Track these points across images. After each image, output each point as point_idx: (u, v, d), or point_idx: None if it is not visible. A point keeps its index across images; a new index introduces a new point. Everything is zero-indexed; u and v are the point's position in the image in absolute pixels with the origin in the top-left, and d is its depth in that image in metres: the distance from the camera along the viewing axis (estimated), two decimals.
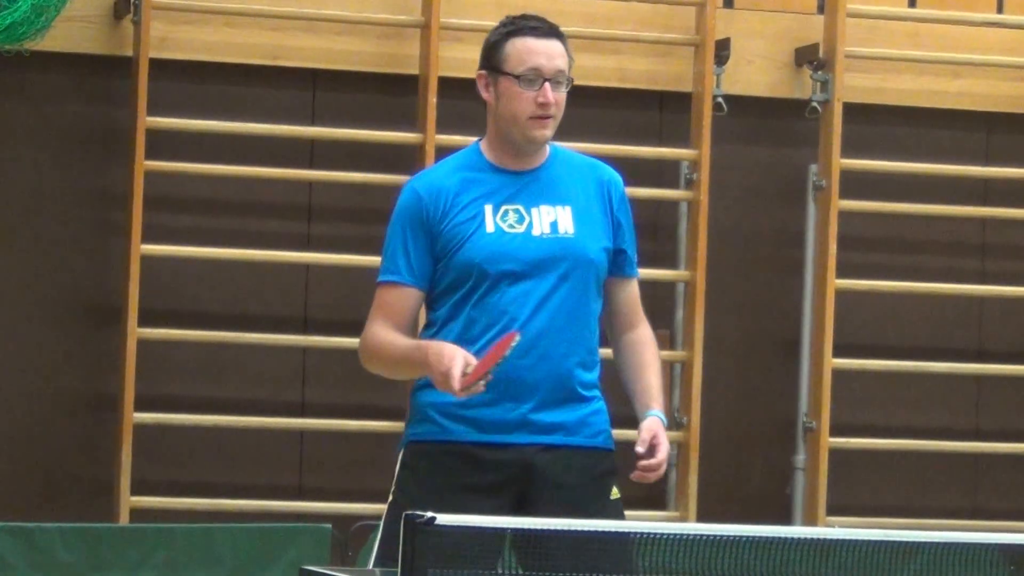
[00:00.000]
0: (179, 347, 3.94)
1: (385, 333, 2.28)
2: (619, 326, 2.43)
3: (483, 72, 2.33)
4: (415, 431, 2.33)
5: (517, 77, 2.26)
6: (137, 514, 3.89)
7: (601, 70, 4.10)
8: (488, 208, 2.34)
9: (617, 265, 2.37)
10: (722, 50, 4.11)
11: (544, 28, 2.38)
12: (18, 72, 3.80)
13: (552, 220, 2.36)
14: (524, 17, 2.44)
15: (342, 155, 3.94)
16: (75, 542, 3.96)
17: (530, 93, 2.27)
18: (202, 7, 3.87)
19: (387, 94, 4.01)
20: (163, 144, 3.84)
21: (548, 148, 2.40)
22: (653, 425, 2.24)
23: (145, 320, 3.80)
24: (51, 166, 3.90)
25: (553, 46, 2.34)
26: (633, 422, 2.26)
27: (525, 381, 2.26)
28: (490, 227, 2.33)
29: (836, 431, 4.19)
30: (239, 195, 3.96)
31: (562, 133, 2.29)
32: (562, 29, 2.30)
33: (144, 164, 3.78)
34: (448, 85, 3.88)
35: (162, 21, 3.80)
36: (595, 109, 4.12)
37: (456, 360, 2.06)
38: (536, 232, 2.33)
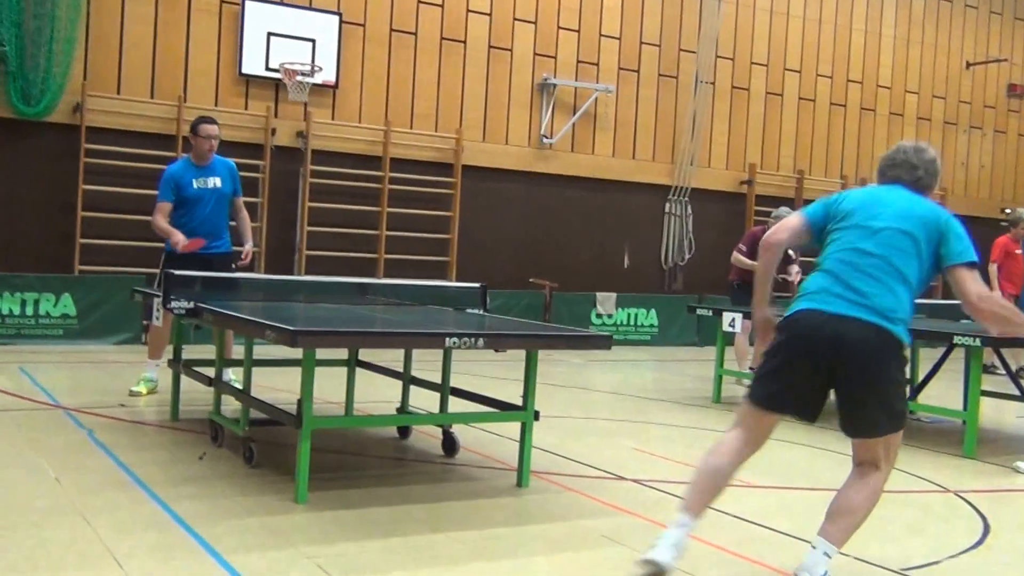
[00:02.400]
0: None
1: (162, 219, 7.44)
2: (234, 212, 7.76)
3: (191, 134, 7.53)
4: (168, 249, 7.45)
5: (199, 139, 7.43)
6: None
7: None
8: (194, 180, 7.48)
9: (236, 193, 7.68)
10: None
11: (212, 120, 7.53)
12: (28, 128, 11.17)
13: (215, 182, 7.50)
14: (204, 118, 7.56)
15: None
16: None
17: (205, 145, 7.44)
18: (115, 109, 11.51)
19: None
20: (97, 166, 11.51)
21: (213, 157, 7.46)
22: (247, 248, 7.68)
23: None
24: (41, 147, 11.34)
25: (215, 129, 7.45)
26: None
27: (205, 234, 7.43)
28: (195, 186, 7.48)
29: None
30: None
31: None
32: None
33: (85, 162, 11.45)
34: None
35: (95, 113, 11.41)
36: None
37: (181, 239, 7.18)
38: (209, 187, 7.48)
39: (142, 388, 7.67)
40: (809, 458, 6.93)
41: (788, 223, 4.23)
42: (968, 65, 18.41)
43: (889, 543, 4.84)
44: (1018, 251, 12.09)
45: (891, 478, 6.31)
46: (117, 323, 11.04)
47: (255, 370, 5.98)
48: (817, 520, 5.23)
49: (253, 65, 11.93)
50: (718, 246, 15.28)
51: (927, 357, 8.93)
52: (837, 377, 3.90)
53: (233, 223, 7.91)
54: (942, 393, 8.71)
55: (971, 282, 3.91)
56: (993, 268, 11.84)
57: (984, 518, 5.41)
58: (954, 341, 7.24)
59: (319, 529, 4.54)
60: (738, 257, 10.37)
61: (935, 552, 4.72)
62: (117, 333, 11.03)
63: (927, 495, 5.99)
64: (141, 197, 11.20)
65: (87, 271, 11.23)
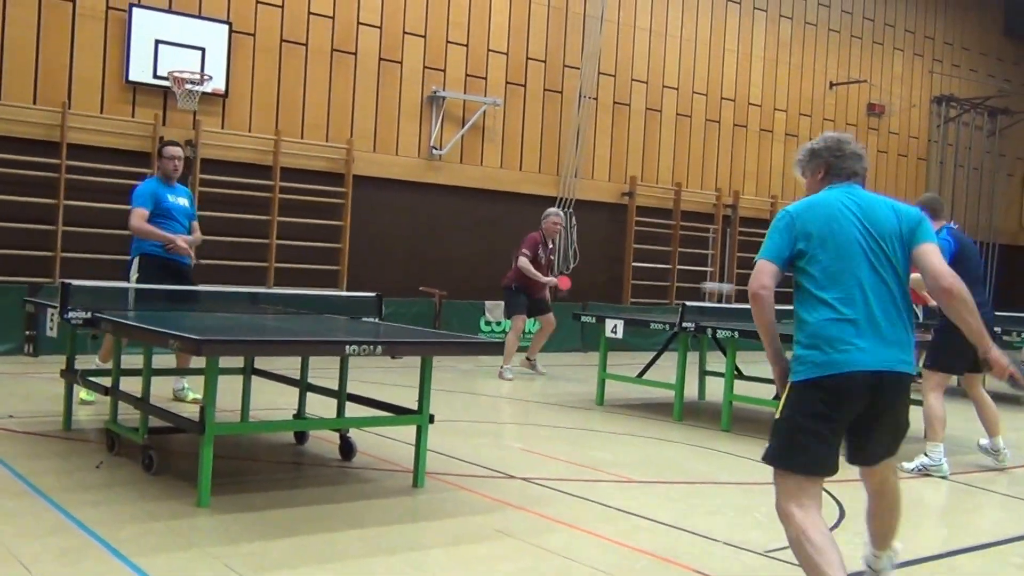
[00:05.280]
0: None
1: (144, 223, 7.67)
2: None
3: (157, 156, 8.44)
4: (144, 248, 7.79)
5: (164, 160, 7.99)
6: None
7: None
8: (169, 195, 7.89)
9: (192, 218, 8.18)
10: None
11: (176, 144, 8.21)
12: None
13: (184, 200, 7.99)
14: (168, 142, 8.37)
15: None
16: None
17: (170, 166, 7.93)
18: None
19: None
20: None
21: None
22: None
23: None
24: None
25: (177, 150, 8.01)
26: None
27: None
28: (168, 200, 7.82)
29: None
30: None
31: None
32: None
33: None
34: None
35: None
36: None
37: (178, 240, 7.73)
38: (181, 204, 7.95)
39: (88, 395, 7.74)
40: (684, 455, 7.38)
41: None
42: (831, 85, 19.47)
43: (753, 529, 5.29)
44: None
45: (761, 471, 6.81)
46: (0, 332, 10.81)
47: (133, 379, 6.08)
48: (693, 509, 5.64)
49: (140, 72, 11.88)
50: (602, 255, 15.83)
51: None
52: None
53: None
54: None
55: None
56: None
57: (840, 505, 5.90)
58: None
59: (223, 531, 4.72)
60: (527, 266, 11.35)
61: None
62: (0, 343, 10.81)
63: None
64: (24, 205, 11.16)
65: None
